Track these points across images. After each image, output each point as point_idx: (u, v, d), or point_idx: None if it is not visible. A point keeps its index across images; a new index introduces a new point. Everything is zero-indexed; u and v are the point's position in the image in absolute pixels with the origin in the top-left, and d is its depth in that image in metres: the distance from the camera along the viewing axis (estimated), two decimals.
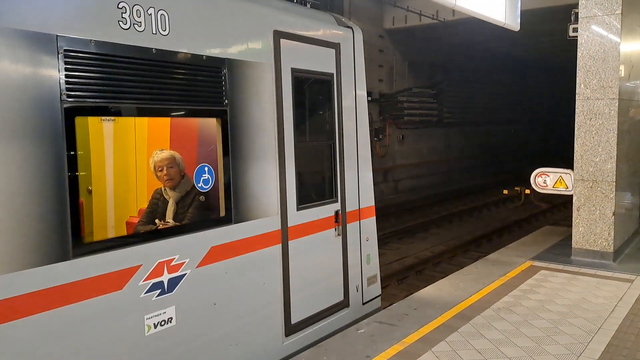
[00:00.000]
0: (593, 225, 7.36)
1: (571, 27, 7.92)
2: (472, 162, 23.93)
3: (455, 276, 6.88)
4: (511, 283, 6.47)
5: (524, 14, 9.12)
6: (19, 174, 2.94)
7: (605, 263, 7.23)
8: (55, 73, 3.09)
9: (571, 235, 7.64)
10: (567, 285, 6.41)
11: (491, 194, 19.20)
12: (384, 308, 5.96)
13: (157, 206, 3.66)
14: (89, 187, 3.28)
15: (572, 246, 7.55)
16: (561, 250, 7.90)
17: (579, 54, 7.33)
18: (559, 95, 31.22)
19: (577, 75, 7.35)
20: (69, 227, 3.13)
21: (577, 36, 7.44)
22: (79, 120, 3.21)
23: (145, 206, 3.60)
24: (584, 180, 7.40)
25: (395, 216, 14.94)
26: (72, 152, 3.17)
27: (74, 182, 3.17)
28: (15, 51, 2.94)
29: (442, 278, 7.08)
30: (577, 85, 7.36)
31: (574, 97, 7.41)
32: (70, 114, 3.16)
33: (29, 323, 2.99)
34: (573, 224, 7.53)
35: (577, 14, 7.49)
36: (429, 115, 19.99)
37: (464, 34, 18.37)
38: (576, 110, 7.38)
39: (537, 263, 7.34)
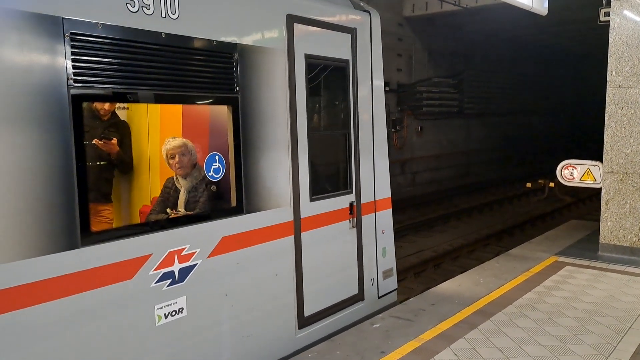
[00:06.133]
0: (622, 219, 7.03)
1: (602, 11, 7.55)
2: (493, 153, 23.44)
3: (475, 271, 6.64)
4: (534, 279, 6.21)
5: None
6: (26, 161, 2.86)
7: (635, 259, 6.91)
8: (61, 57, 2.99)
9: (598, 229, 7.33)
10: (594, 282, 6.12)
11: (513, 187, 18.80)
12: (400, 302, 5.77)
13: (169, 195, 3.58)
14: (102, 175, 3.22)
15: (600, 241, 7.25)
16: (588, 246, 7.60)
17: (610, 40, 6.98)
18: (586, 84, 30.42)
19: (609, 61, 6.99)
20: (77, 216, 3.06)
21: (608, 21, 7.09)
22: (87, 106, 3.11)
23: (158, 195, 3.52)
24: (613, 173, 7.06)
25: (412, 209, 14.68)
26: (80, 140, 3.08)
27: (82, 169, 3.09)
28: (20, 34, 2.84)
29: (461, 273, 6.85)
30: (608, 72, 7.01)
31: (602, 87, 7.06)
32: (78, 100, 3.06)
33: (39, 311, 2.94)
34: (601, 218, 7.22)
35: None
36: (449, 105, 19.56)
37: (487, 22, 17.90)
38: (607, 98, 7.04)
39: (562, 258, 7.05)
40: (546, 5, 8.36)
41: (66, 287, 3.05)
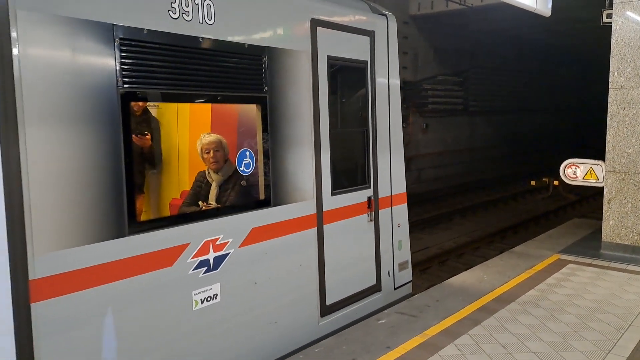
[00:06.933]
0: (624, 218, 7.13)
1: (605, 12, 7.65)
2: (498, 151, 23.48)
3: (480, 268, 6.76)
4: (537, 276, 6.32)
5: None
6: (81, 157, 3.10)
7: (636, 258, 7.00)
8: (111, 60, 3.24)
9: (601, 228, 7.42)
10: (595, 279, 6.23)
11: (518, 185, 18.83)
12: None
13: (200, 188, 3.80)
14: (145, 169, 3.46)
15: (602, 240, 7.34)
16: (590, 244, 7.69)
17: (612, 41, 7.06)
18: (590, 84, 30.34)
19: (611, 62, 7.08)
20: (125, 207, 3.30)
21: (611, 22, 7.17)
22: (133, 105, 3.36)
23: (189, 188, 3.74)
24: (615, 172, 7.16)
25: (417, 206, 14.77)
26: (127, 136, 3.32)
27: (129, 164, 3.33)
28: (75, 39, 3.09)
29: (466, 270, 6.98)
30: (610, 73, 7.10)
31: (606, 86, 7.15)
32: (126, 100, 3.31)
33: (88, 295, 3.16)
34: (603, 217, 7.32)
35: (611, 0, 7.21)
36: (454, 103, 19.64)
37: (492, 21, 17.93)
38: (609, 99, 7.13)
39: (564, 256, 7.16)
40: (550, 6, 8.45)
41: (115, 272, 3.28)
